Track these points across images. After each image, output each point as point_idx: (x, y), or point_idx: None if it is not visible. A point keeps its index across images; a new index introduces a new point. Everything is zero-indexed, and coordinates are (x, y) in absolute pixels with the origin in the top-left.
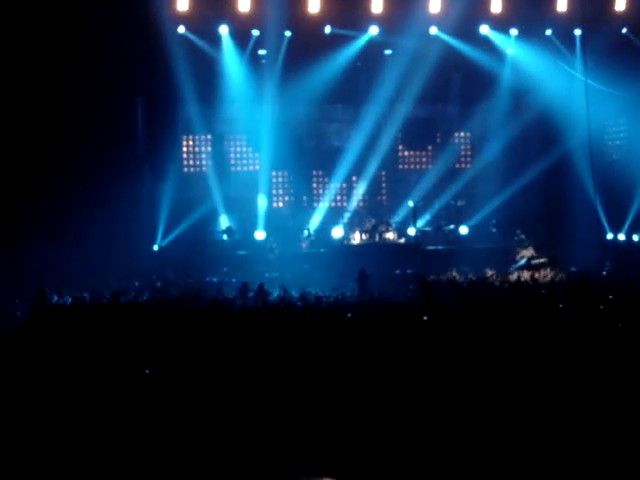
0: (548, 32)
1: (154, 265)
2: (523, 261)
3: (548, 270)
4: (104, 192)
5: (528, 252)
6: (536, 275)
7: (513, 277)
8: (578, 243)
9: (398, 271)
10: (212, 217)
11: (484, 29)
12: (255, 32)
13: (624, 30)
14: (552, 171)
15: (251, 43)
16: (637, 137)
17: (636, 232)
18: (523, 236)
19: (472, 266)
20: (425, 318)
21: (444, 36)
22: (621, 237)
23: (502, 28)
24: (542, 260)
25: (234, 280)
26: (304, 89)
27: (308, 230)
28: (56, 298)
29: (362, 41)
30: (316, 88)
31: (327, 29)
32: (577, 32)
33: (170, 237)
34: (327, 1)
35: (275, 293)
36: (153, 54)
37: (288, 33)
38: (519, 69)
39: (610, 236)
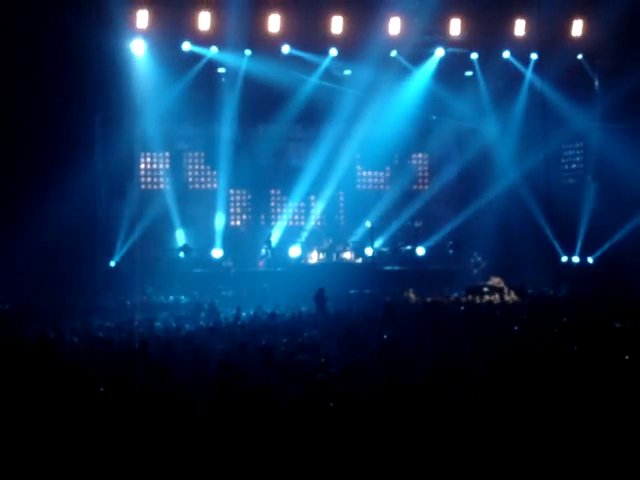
0: (506, 55)
1: (110, 281)
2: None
3: (507, 294)
4: (61, 207)
5: (497, 280)
6: (490, 298)
7: (468, 299)
8: (533, 265)
9: (353, 291)
10: (169, 234)
11: (440, 52)
12: (214, 50)
13: (579, 56)
14: (508, 194)
15: (211, 61)
16: (592, 161)
17: (589, 254)
18: (479, 258)
19: (428, 287)
20: (385, 337)
21: (402, 59)
22: (575, 260)
23: (461, 51)
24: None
25: (185, 301)
26: (263, 108)
27: (266, 248)
28: None
29: (322, 62)
30: (275, 107)
31: (286, 49)
32: (533, 56)
33: (127, 254)
34: (287, 21)
35: (229, 312)
36: (111, 71)
37: (248, 52)
38: (477, 91)
39: (565, 259)
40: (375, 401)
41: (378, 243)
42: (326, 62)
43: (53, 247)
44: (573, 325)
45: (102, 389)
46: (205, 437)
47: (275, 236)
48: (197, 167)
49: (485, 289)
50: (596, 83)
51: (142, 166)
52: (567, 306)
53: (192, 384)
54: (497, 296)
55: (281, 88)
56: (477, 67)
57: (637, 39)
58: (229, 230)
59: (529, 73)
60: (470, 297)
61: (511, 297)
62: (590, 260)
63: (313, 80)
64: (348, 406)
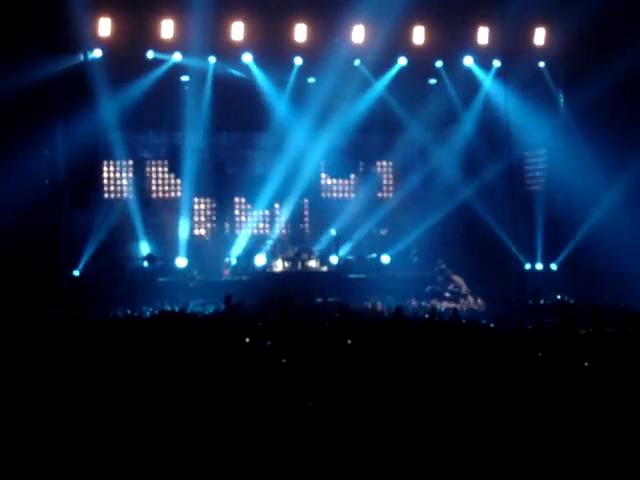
0: (469, 62)
1: (73, 292)
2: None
3: (470, 300)
4: (21, 217)
5: (460, 281)
6: (454, 305)
7: (432, 304)
8: (497, 273)
9: (319, 299)
10: (133, 244)
11: (402, 61)
12: (177, 57)
13: (541, 64)
14: (473, 201)
15: (174, 69)
16: (556, 168)
17: (552, 261)
18: (444, 266)
19: (393, 295)
20: (349, 342)
21: (365, 70)
22: (539, 267)
23: (424, 59)
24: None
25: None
26: (227, 116)
27: (229, 258)
28: None
29: (285, 70)
30: (239, 115)
31: (247, 57)
32: (496, 63)
33: (90, 263)
34: (250, 29)
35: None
36: (74, 78)
37: (213, 59)
38: (441, 99)
39: (528, 266)
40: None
41: (343, 251)
42: (289, 69)
43: (14, 258)
44: (539, 332)
45: None
46: None
47: (238, 247)
48: (160, 176)
49: (447, 294)
50: (556, 91)
51: (105, 175)
52: (532, 313)
53: None
54: (462, 301)
55: (245, 96)
56: (441, 75)
57: (599, 48)
58: (193, 239)
59: (491, 81)
60: (434, 302)
61: (477, 303)
62: (554, 267)
63: (276, 88)
64: None
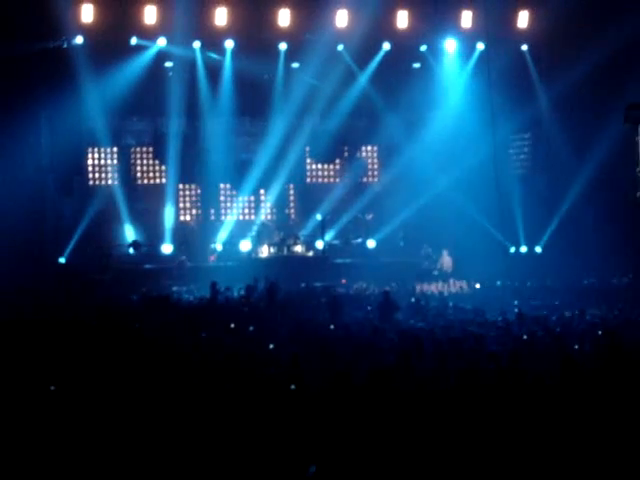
0: (452, 46)
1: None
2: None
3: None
4: (7, 204)
5: (446, 261)
6: (442, 287)
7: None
8: (483, 257)
9: (304, 284)
10: (118, 230)
11: (386, 46)
12: (162, 43)
13: (524, 47)
14: (457, 185)
15: (158, 55)
16: (541, 151)
17: (537, 244)
18: (430, 250)
19: (379, 279)
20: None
21: (347, 56)
22: (523, 249)
23: (408, 43)
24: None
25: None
26: (211, 101)
27: (214, 244)
28: None
29: (269, 55)
30: (224, 100)
31: (229, 43)
32: (480, 46)
33: (75, 250)
34: (234, 14)
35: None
36: (57, 65)
37: (197, 44)
38: (425, 83)
39: (513, 249)
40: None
41: (329, 236)
42: (281, 58)
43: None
44: (524, 315)
45: None
46: None
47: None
48: (145, 162)
49: (435, 272)
50: (536, 75)
51: (90, 162)
52: (518, 296)
53: None
54: (449, 285)
55: (229, 81)
56: (425, 59)
57: (582, 31)
58: (178, 225)
59: (474, 64)
60: (422, 286)
61: (463, 286)
62: (538, 249)
63: (261, 73)
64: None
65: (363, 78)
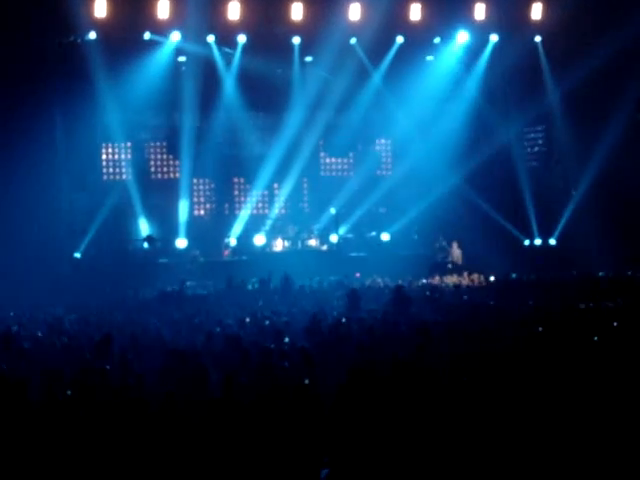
0: (464, 38)
1: (75, 273)
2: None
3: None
4: (22, 200)
5: (456, 254)
6: (456, 280)
7: (435, 281)
8: (497, 250)
9: (319, 277)
10: (133, 225)
11: (400, 39)
12: (175, 38)
13: (537, 38)
14: (472, 178)
15: (172, 50)
16: (554, 143)
17: (551, 236)
18: (444, 242)
19: (393, 272)
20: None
21: (360, 49)
22: (537, 242)
23: (421, 36)
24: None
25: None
26: (225, 96)
27: (229, 238)
28: None
29: (282, 48)
30: (237, 95)
31: (242, 38)
32: (493, 38)
33: (91, 245)
34: (247, 8)
35: None
36: (71, 60)
37: (211, 38)
38: (439, 76)
39: (527, 242)
40: (343, 387)
41: (343, 230)
42: (295, 52)
43: (16, 240)
44: (539, 308)
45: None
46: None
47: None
48: (159, 157)
49: (449, 265)
50: (550, 67)
51: (104, 157)
52: (533, 289)
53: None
54: (463, 278)
55: (242, 76)
56: (438, 52)
57: (596, 22)
58: (193, 220)
59: (488, 56)
60: (436, 279)
61: (478, 279)
62: (553, 242)
63: (274, 68)
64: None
65: (376, 72)
